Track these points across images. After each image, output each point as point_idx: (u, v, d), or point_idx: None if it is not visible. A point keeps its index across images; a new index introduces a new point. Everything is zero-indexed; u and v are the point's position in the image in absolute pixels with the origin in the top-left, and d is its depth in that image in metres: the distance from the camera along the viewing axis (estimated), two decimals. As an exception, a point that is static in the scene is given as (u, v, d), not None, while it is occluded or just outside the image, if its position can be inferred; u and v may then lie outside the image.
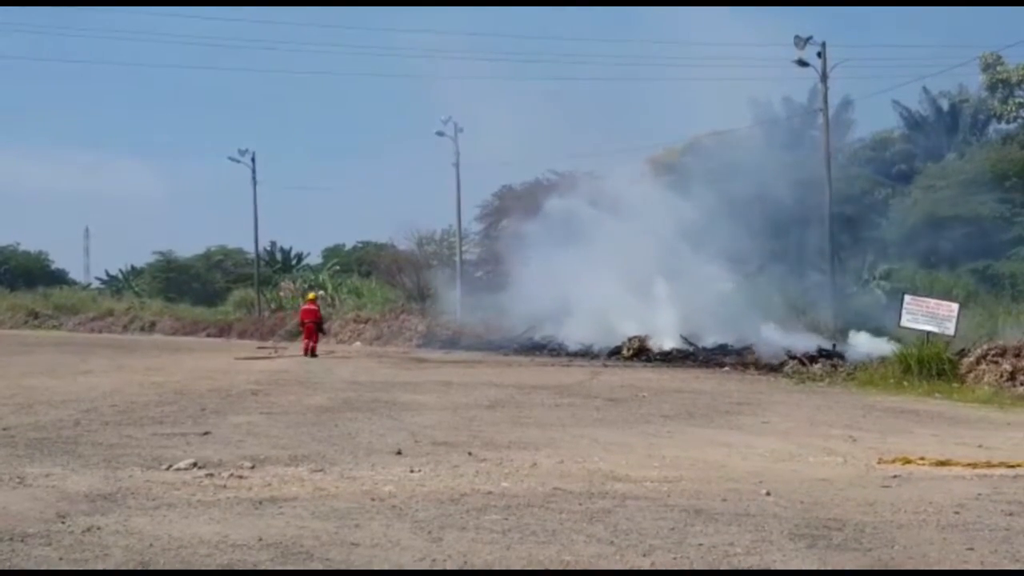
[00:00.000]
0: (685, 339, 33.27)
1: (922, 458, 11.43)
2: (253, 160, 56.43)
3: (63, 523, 7.63)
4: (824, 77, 36.11)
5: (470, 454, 11.44)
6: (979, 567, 6.86)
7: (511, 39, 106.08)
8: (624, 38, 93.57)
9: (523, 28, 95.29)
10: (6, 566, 6.49)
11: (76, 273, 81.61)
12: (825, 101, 38.04)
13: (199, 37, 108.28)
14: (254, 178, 56.55)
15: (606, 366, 29.24)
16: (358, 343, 41.89)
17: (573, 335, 35.56)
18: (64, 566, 6.52)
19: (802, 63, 35.71)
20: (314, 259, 72.06)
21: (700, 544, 7.24)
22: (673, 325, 34.34)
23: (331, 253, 70.81)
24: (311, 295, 38.00)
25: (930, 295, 28.31)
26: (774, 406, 18.06)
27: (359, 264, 62.23)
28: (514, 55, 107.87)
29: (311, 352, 32.42)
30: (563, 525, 7.79)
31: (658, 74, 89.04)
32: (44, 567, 6.50)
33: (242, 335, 49.04)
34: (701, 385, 22.45)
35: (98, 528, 7.47)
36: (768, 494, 9.12)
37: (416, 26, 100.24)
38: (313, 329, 33.32)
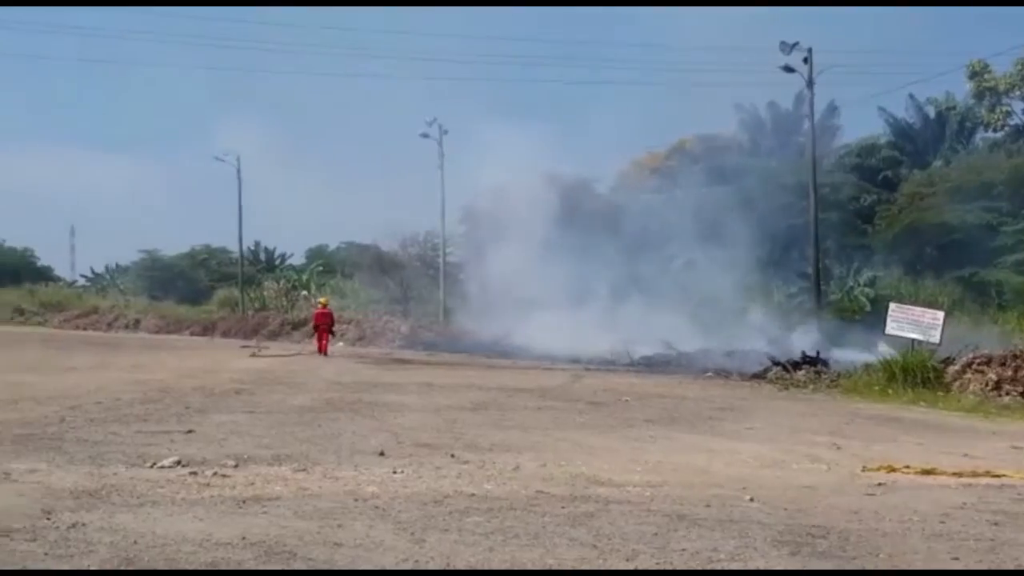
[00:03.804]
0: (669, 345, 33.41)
1: (907, 466, 11.44)
2: (238, 160, 56.28)
3: (48, 519, 7.62)
4: (810, 83, 36.15)
5: (453, 456, 11.43)
6: None
7: (495, 41, 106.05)
8: (611, 41, 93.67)
9: (509, 30, 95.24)
10: (-9, 561, 6.47)
11: (62, 270, 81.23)
12: (811, 107, 38.10)
13: (188, 36, 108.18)
14: (239, 178, 56.39)
15: (588, 369, 29.22)
16: (340, 343, 41.79)
17: (555, 338, 35.53)
18: (49, 562, 6.51)
19: (788, 69, 35.72)
20: (298, 259, 71.94)
21: (683, 549, 7.25)
22: (654, 331, 34.50)
23: (315, 254, 70.64)
24: (323, 299, 38.96)
25: (915, 303, 28.40)
26: (757, 412, 18.06)
27: (343, 265, 62.08)
28: (498, 57, 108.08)
29: (324, 351, 33.53)
30: (546, 528, 7.79)
31: (643, 77, 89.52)
32: (29, 563, 6.49)
33: (226, 334, 48.94)
34: (684, 390, 22.45)
35: (83, 524, 7.46)
36: (752, 500, 9.13)
37: (404, 28, 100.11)
38: (325, 330, 34.47)
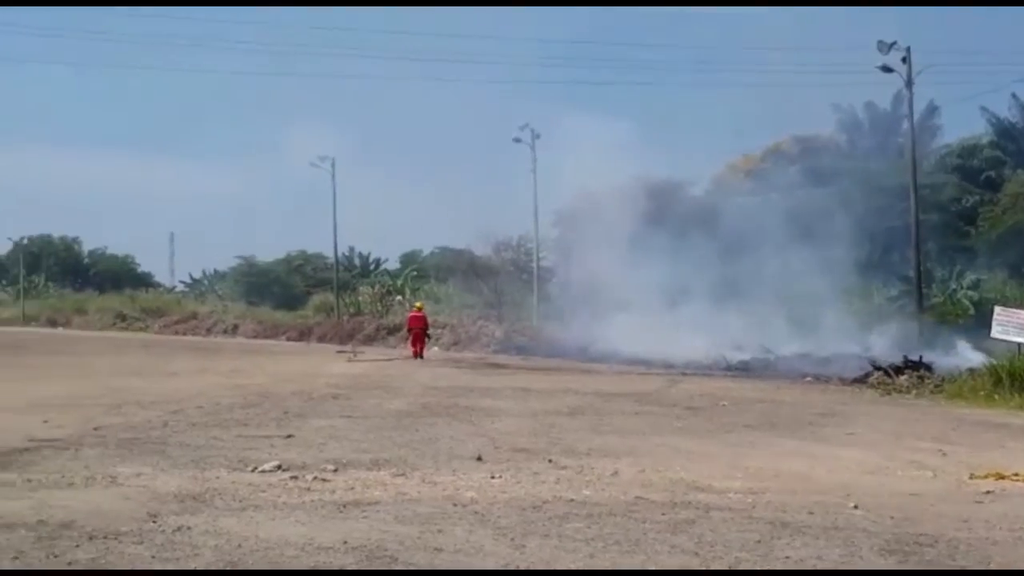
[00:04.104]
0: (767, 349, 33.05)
1: (1016, 474, 11.09)
2: (333, 166, 56.90)
3: (154, 522, 7.77)
4: (909, 83, 35.41)
5: (550, 461, 11.40)
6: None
7: (589, 45, 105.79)
8: (706, 44, 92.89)
9: (602, 33, 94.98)
10: (101, 564, 6.62)
11: (161, 276, 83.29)
12: (910, 107, 37.38)
13: (284, 43, 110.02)
14: (334, 184, 57.06)
15: (684, 374, 28.95)
16: (435, 348, 42.06)
17: (649, 342, 35.17)
18: (156, 564, 6.64)
19: (886, 69, 35.01)
20: (392, 264, 72.70)
21: (787, 557, 7.13)
22: (749, 334, 34.16)
23: (408, 259, 71.29)
24: (418, 303, 39.58)
25: (1021, 306, 27.62)
26: (859, 417, 17.71)
27: (436, 270, 62.55)
28: (593, 60, 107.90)
29: (420, 355, 34.03)
30: (646, 535, 7.72)
31: (738, 79, 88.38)
32: (137, 565, 6.62)
33: (321, 339, 49.51)
34: (782, 395, 22.11)
35: (188, 528, 7.59)
36: (856, 507, 8.94)
37: (498, 32, 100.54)
38: (420, 334, 34.88)
